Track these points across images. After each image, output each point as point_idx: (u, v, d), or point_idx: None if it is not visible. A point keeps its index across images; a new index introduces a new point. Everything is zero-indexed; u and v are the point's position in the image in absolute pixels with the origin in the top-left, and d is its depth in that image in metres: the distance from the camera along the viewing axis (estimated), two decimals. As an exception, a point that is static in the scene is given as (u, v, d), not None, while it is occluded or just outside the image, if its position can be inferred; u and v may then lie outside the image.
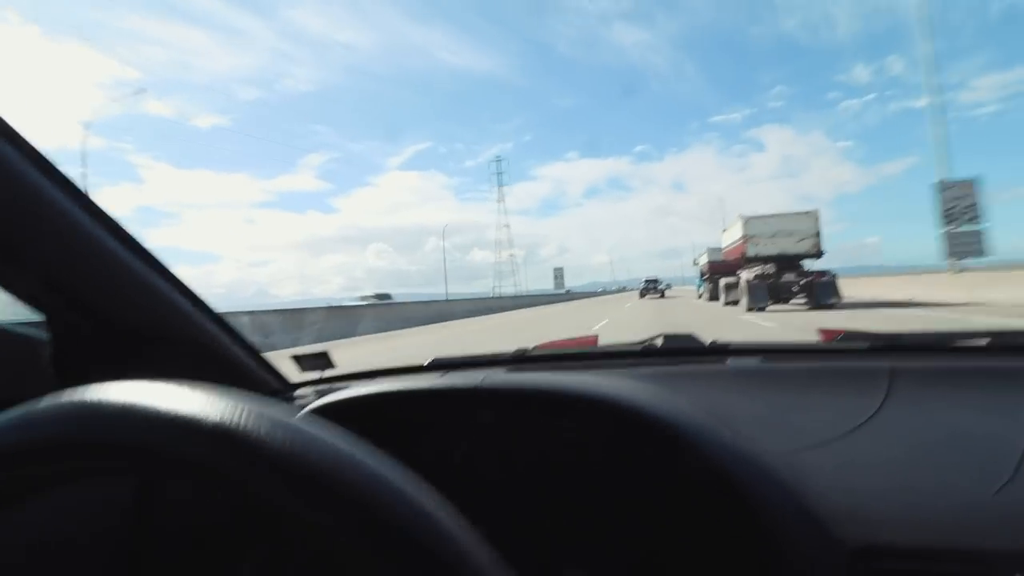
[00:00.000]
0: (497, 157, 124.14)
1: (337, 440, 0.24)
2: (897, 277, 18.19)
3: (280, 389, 0.80)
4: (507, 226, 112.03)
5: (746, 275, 14.78)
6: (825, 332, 0.94)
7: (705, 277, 24.91)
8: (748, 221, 15.44)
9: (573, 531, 0.56)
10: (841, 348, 0.86)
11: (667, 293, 37.38)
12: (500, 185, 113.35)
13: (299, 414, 0.39)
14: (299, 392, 0.83)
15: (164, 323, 0.62)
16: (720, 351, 0.88)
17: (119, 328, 0.58)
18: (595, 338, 1.15)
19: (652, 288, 35.94)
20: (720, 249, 22.50)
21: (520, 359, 0.94)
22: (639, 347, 0.95)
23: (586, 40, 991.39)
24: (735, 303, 15.99)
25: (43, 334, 0.57)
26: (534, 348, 1.01)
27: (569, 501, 0.56)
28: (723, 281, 17.54)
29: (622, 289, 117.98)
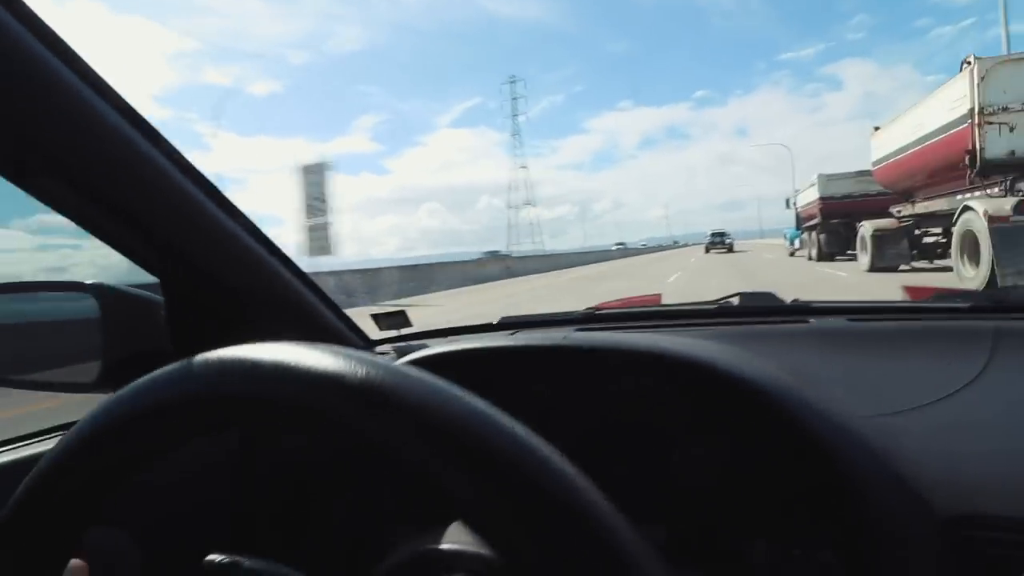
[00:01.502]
0: (511, 77, 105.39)
1: (466, 395, 0.25)
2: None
3: (359, 346, 0.82)
4: (524, 167, 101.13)
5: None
6: (913, 290, 0.94)
7: (810, 225, 16.54)
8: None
9: (649, 493, 0.56)
10: (937, 307, 0.81)
11: (735, 247, 35.78)
12: (515, 114, 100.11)
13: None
14: (379, 349, 0.85)
15: (262, 284, 0.65)
16: (802, 310, 0.85)
17: (224, 289, 0.63)
18: (659, 296, 1.17)
19: (719, 242, 34.43)
20: (847, 177, 14.73)
21: (590, 318, 0.94)
22: (715, 306, 0.92)
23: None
24: (889, 267, 9.71)
25: (158, 296, 0.62)
26: (601, 307, 1.02)
27: (645, 462, 0.56)
28: (869, 227, 10.16)
29: (675, 244, 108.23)
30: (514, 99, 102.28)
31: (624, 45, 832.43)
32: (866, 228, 10.25)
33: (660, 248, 76.93)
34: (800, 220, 18.79)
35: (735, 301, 0.93)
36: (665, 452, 0.56)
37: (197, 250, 0.58)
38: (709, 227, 40.27)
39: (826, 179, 15.10)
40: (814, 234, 15.58)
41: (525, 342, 0.63)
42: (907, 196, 10.10)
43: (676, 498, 0.55)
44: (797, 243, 19.76)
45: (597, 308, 1.01)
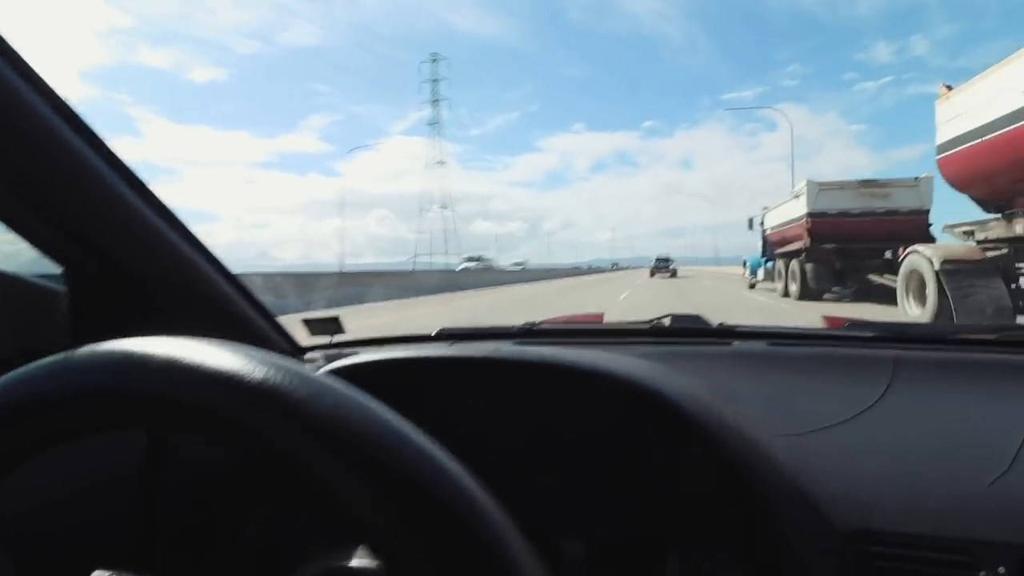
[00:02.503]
0: (433, 55, 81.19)
1: (372, 403, 0.25)
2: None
3: (289, 351, 0.81)
4: (442, 162, 79.40)
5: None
6: (830, 319, 0.99)
7: (786, 251, 12.30)
8: None
9: (572, 503, 0.57)
10: (847, 335, 0.86)
11: (678, 273, 35.69)
12: (435, 99, 77.49)
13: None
14: (308, 356, 0.84)
15: (178, 278, 0.62)
16: (727, 333, 0.89)
17: (135, 280, 0.59)
18: (601, 315, 1.22)
19: (664, 267, 34.25)
20: (847, 187, 10.76)
21: (528, 333, 0.95)
22: (647, 325, 0.95)
23: (598, 6, 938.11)
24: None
25: (61, 286, 0.58)
26: (542, 323, 1.02)
27: (570, 473, 0.57)
28: (932, 254, 6.10)
29: (615, 267, 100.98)
30: (434, 81, 79.36)
31: (579, 70, 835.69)
32: (925, 255, 6.18)
33: (585, 271, 63.25)
34: (768, 246, 14.51)
35: (667, 322, 0.96)
36: (589, 466, 0.56)
37: (106, 237, 0.55)
38: (654, 251, 40.25)
39: (818, 188, 10.56)
40: (794, 263, 11.31)
41: (458, 353, 0.62)
42: (1000, 205, 5.80)
43: (597, 511, 0.56)
44: (760, 273, 15.61)
45: (537, 323, 1.01)
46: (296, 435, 0.22)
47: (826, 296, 10.85)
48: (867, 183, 10.50)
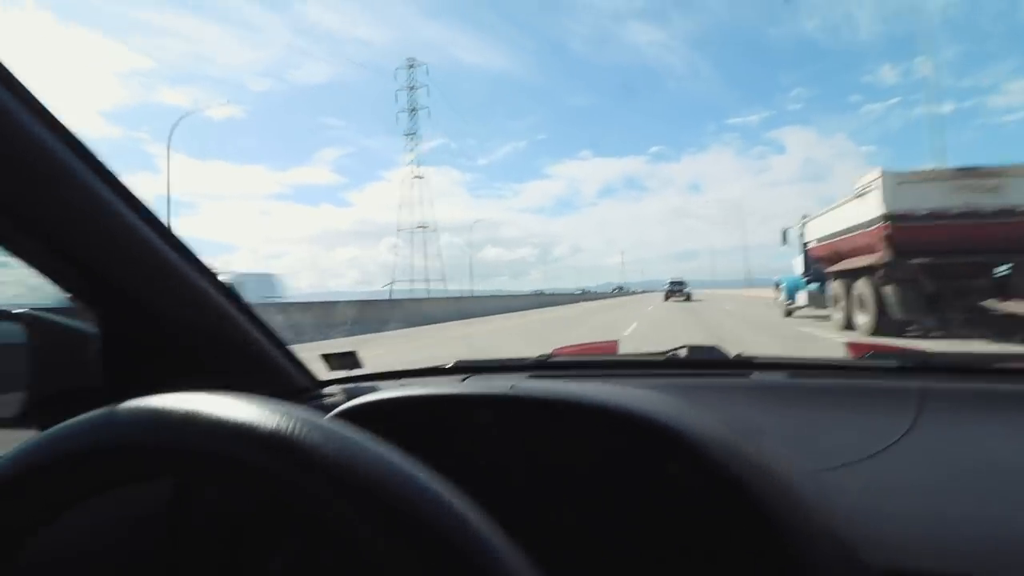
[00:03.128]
0: (410, 60, 70.07)
1: (386, 451, 0.27)
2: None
3: (309, 387, 0.84)
4: (420, 176, 69.94)
5: None
6: (854, 347, 0.93)
7: (845, 270, 9.25)
8: None
9: (590, 546, 0.55)
10: (869, 366, 0.83)
11: (692, 296, 34.25)
12: (413, 108, 67.65)
13: (333, 418, 0.49)
14: (328, 390, 0.86)
15: (205, 322, 0.65)
16: (745, 364, 0.87)
17: (164, 326, 0.62)
18: (615, 344, 1.18)
19: (678, 290, 33.16)
20: (941, 178, 7.95)
21: (543, 365, 0.95)
22: (663, 357, 0.94)
23: (600, 38, 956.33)
24: None
25: (94, 329, 0.60)
26: (556, 353, 1.02)
27: (587, 516, 0.56)
28: None
29: (617, 291, 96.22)
30: (411, 88, 68.98)
31: (585, 99, 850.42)
32: None
33: (587, 296, 55.70)
34: (812, 263, 11.41)
35: (683, 353, 0.95)
36: (607, 506, 0.55)
37: (136, 283, 0.57)
38: (665, 275, 36.36)
39: (897, 181, 7.62)
40: (863, 285, 8.24)
41: (472, 390, 0.62)
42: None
43: (615, 554, 0.54)
44: (800, 298, 12.12)
45: (551, 355, 1.01)
46: (306, 479, 0.24)
47: (909, 330, 7.77)
48: (967, 172, 7.57)
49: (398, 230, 72.38)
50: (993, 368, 0.78)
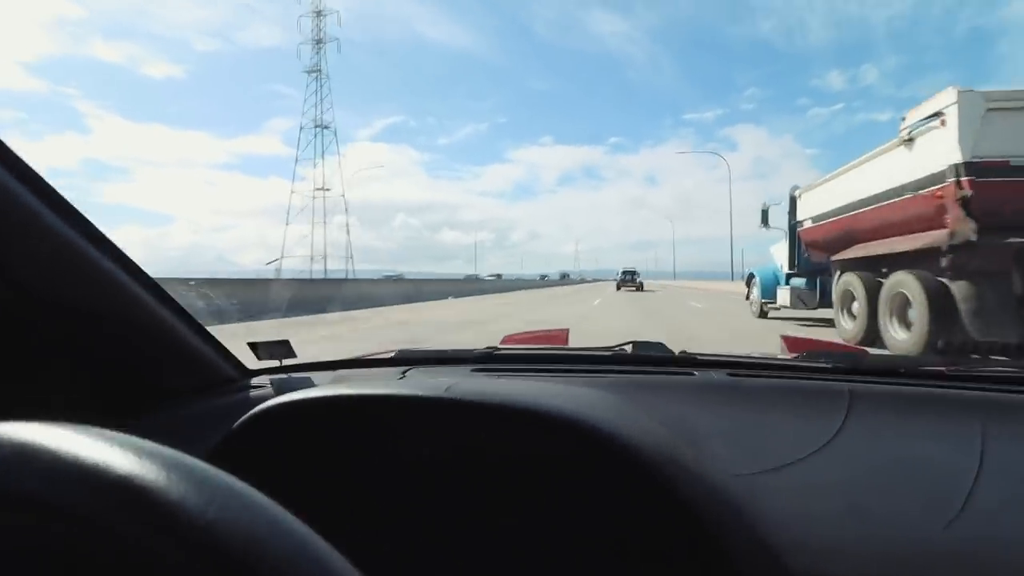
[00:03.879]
0: (316, 7, 56.55)
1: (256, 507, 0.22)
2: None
3: (235, 377, 0.80)
4: (326, 127, 55.00)
5: None
6: (789, 341, 0.99)
7: (846, 259, 6.57)
8: None
9: (524, 553, 0.55)
10: (804, 365, 0.86)
11: (644, 286, 34.04)
12: (319, 41, 54.39)
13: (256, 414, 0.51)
14: (256, 381, 0.81)
15: (109, 304, 0.59)
16: (689, 362, 0.89)
17: (60, 310, 0.57)
18: (565, 332, 1.19)
19: (630, 280, 32.92)
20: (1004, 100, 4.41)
21: (488, 358, 0.93)
22: (609, 352, 0.95)
23: (564, 23, 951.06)
24: None
25: None
26: (502, 344, 1.03)
27: (523, 521, 0.55)
28: None
29: (565, 278, 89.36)
30: (317, 14, 55.54)
31: (547, 84, 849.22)
32: None
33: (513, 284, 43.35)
34: (803, 251, 8.61)
35: (628, 349, 0.97)
36: (541, 508, 0.54)
37: (28, 263, 0.52)
38: (620, 264, 37.23)
39: (986, 105, 4.35)
40: (906, 281, 5.06)
41: (408, 391, 0.59)
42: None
43: (547, 560, 0.54)
44: (781, 295, 9.19)
45: (497, 346, 1.00)
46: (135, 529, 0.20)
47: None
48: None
49: (291, 192, 57.92)
50: (915, 371, 0.81)
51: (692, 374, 0.83)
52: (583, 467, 0.52)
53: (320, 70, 57.20)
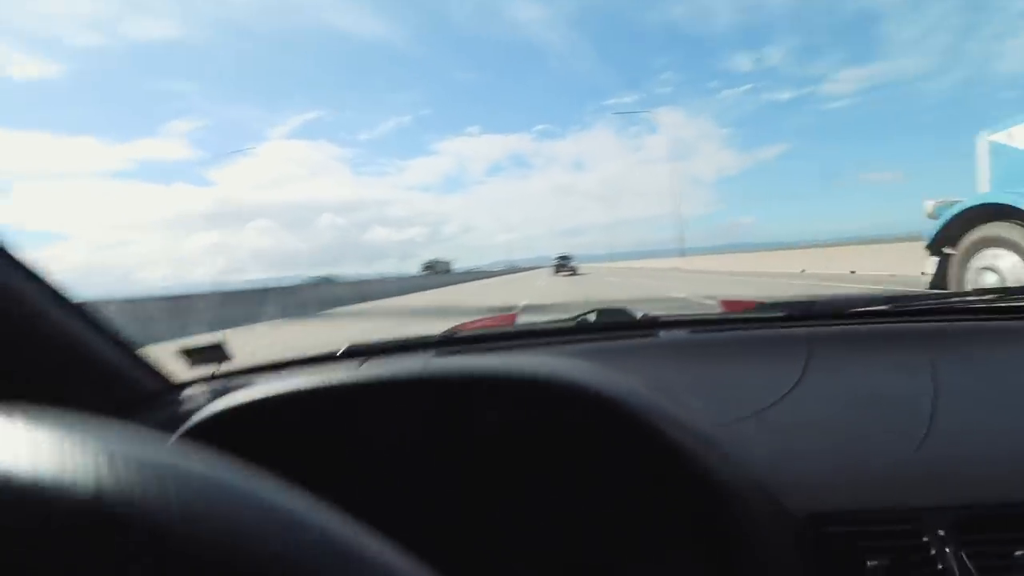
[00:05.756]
0: None
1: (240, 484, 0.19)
2: (776, 252, 16.17)
3: (160, 391, 0.73)
4: None
5: None
6: (732, 303, 1.01)
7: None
8: None
9: (519, 525, 0.53)
10: (761, 317, 0.88)
11: (578, 270, 35.35)
12: None
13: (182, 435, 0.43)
14: (188, 393, 0.75)
15: (9, 316, 0.55)
16: (651, 324, 0.90)
17: None
18: (514, 315, 1.26)
19: (564, 265, 34.02)
20: None
21: (447, 341, 0.91)
22: (572, 323, 0.95)
23: (483, 12, 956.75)
24: None
25: None
26: (458, 328, 0.99)
27: (514, 494, 0.53)
28: None
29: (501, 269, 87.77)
30: None
31: (469, 74, 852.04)
32: None
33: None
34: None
35: (592, 317, 0.96)
36: (535, 482, 0.53)
37: None
38: (554, 252, 39.39)
39: None
40: None
41: (367, 375, 0.53)
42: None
43: (547, 530, 0.53)
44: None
45: (454, 331, 0.97)
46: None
47: None
48: None
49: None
50: (861, 311, 0.85)
51: (657, 335, 0.84)
52: (572, 429, 0.52)
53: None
